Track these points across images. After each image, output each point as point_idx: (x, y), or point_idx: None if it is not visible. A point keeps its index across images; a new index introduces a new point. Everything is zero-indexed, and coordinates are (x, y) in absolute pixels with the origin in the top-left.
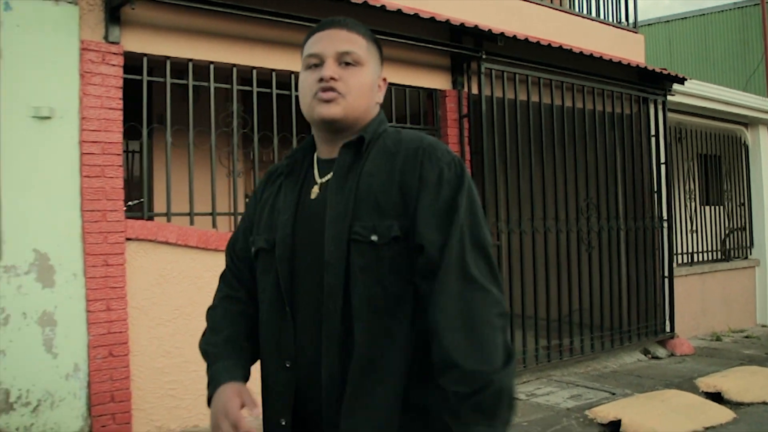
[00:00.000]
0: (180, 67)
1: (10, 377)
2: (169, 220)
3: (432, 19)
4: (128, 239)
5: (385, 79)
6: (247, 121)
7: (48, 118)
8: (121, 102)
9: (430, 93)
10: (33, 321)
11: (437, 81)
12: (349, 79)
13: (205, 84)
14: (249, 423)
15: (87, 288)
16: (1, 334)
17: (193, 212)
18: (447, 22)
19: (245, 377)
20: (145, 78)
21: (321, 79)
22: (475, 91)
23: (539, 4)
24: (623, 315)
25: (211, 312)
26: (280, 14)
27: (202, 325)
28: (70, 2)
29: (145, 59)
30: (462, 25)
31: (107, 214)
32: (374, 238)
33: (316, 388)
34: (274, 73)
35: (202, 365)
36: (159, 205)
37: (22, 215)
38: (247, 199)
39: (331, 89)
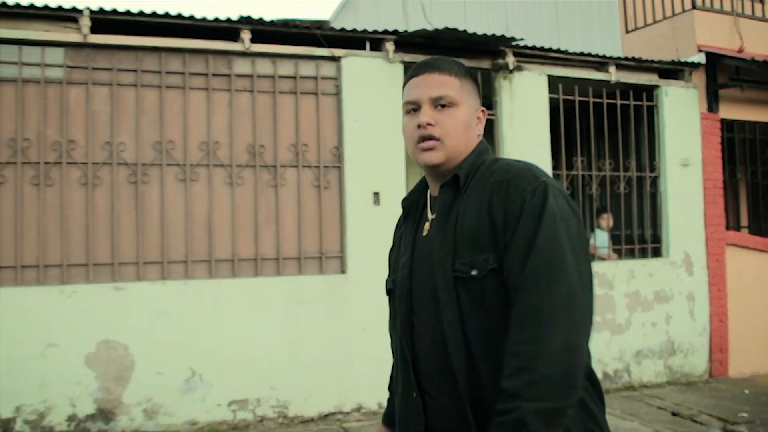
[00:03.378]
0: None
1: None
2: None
3: None
4: (727, 244)
5: (483, 110)
6: None
7: (687, 165)
8: (721, 152)
9: None
10: (683, 297)
11: None
12: (446, 121)
13: None
14: None
15: (708, 276)
16: (668, 306)
17: None
18: None
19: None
20: (736, 135)
21: (419, 126)
22: None
23: None
24: None
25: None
26: None
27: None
28: (692, 87)
29: (735, 123)
30: None
31: (718, 228)
32: (474, 272)
33: (445, 414)
34: None
35: None
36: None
37: (675, 227)
38: None
39: (430, 137)
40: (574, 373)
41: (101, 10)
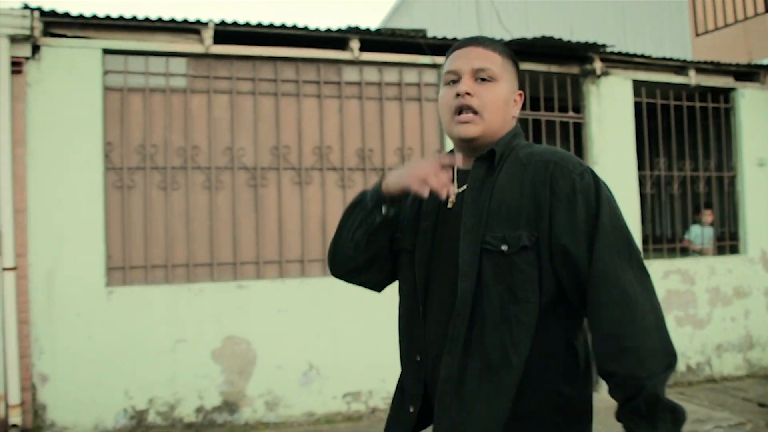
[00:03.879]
0: None
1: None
2: None
3: None
4: None
5: (521, 94)
6: None
7: (763, 165)
8: None
9: None
10: (760, 293)
11: None
12: (485, 94)
13: None
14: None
15: None
16: (747, 301)
17: None
18: None
19: None
20: None
21: (458, 95)
22: None
23: None
24: None
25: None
26: None
27: None
28: None
29: None
30: None
31: None
32: (504, 248)
33: (435, 383)
34: None
35: None
36: None
37: (752, 226)
38: None
39: (468, 107)
40: (669, 340)
41: (223, 23)
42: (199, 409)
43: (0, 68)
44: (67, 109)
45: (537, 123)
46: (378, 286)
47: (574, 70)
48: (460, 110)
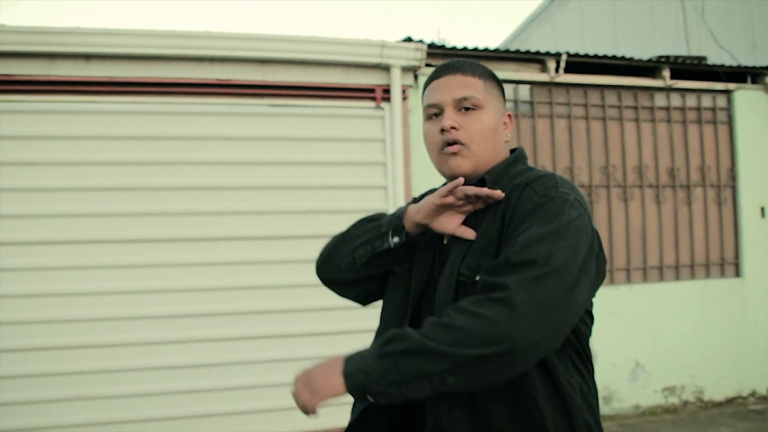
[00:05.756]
0: None
1: None
2: None
3: None
4: None
5: (510, 115)
6: None
7: None
8: None
9: None
10: None
11: None
12: (471, 125)
13: None
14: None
15: None
16: None
17: None
18: None
19: None
20: None
21: (442, 130)
22: None
23: None
24: None
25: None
26: None
27: None
28: None
29: None
30: None
31: None
32: (478, 278)
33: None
34: None
35: None
36: None
37: None
38: None
39: (455, 142)
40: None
41: (567, 54)
42: None
43: (394, 96)
44: None
45: None
46: (362, 301)
47: None
48: (446, 144)
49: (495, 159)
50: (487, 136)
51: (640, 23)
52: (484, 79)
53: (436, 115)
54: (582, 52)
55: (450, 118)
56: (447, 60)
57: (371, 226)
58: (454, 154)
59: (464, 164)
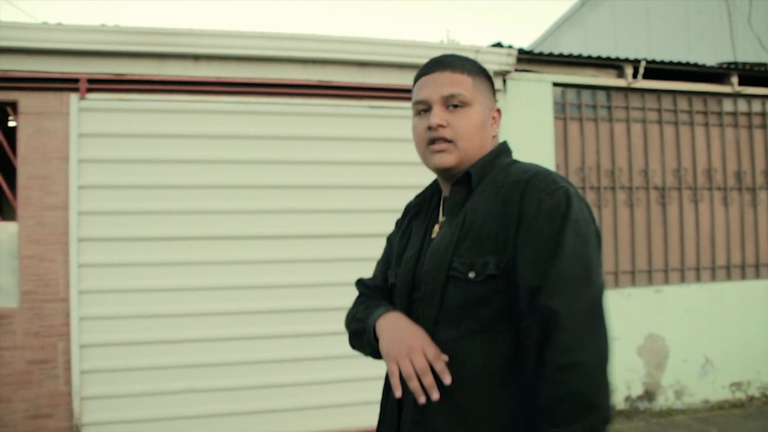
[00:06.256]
0: None
1: None
2: None
3: None
4: None
5: (498, 110)
6: None
7: None
8: None
9: None
10: None
11: None
12: (458, 122)
13: None
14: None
15: None
16: None
17: None
18: None
19: None
20: None
21: (429, 128)
22: None
23: None
24: None
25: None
26: None
27: None
28: None
29: None
30: None
31: None
32: (471, 275)
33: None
34: None
35: None
36: None
37: None
38: None
39: (442, 139)
40: (607, 388)
41: (645, 60)
42: (626, 398)
43: None
44: (527, 135)
45: None
46: None
47: None
48: (433, 141)
49: (481, 153)
50: (474, 133)
51: (674, 26)
52: (472, 75)
53: (425, 111)
54: (614, 55)
55: (437, 115)
56: (529, 61)
57: (360, 327)
58: (440, 151)
59: (449, 159)
